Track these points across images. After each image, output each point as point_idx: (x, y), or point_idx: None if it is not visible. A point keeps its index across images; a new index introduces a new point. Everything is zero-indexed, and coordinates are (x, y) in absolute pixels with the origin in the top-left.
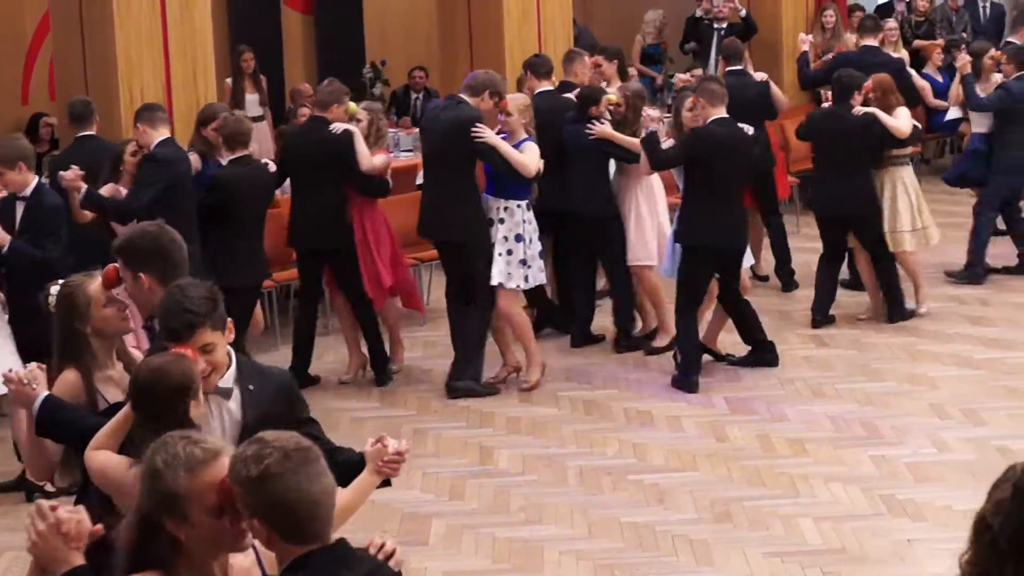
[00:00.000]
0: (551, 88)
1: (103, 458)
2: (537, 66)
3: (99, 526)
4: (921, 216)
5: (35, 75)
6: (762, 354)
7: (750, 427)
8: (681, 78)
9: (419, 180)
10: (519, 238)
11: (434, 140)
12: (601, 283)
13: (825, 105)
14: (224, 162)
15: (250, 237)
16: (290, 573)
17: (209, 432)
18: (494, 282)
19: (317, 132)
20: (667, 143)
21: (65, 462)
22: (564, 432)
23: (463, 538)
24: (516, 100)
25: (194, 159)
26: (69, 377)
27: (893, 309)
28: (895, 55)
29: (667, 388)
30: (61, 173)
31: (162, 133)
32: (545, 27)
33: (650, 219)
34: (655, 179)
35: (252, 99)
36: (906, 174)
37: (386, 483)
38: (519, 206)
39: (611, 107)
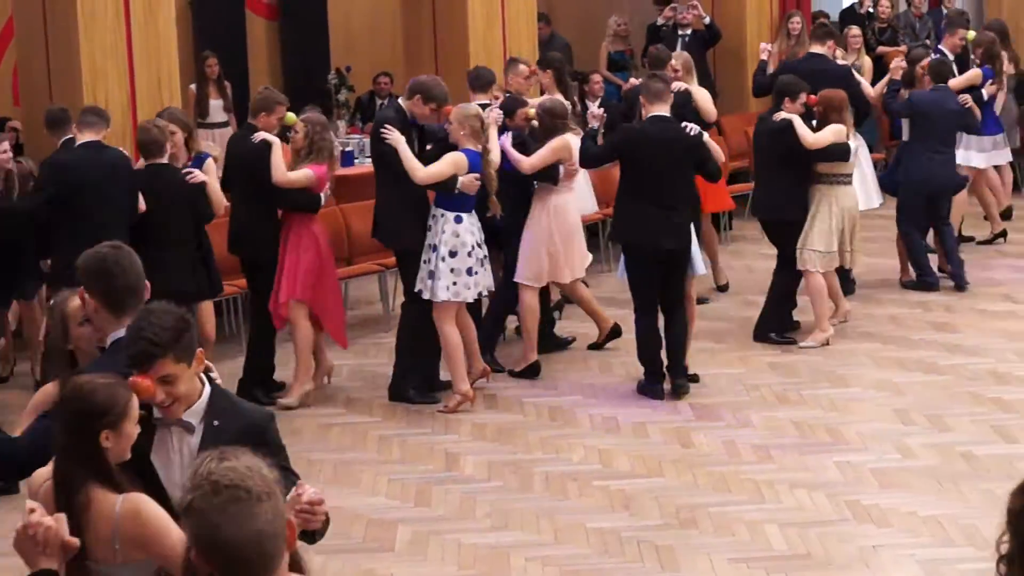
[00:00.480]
0: (487, 101)
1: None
2: (472, 80)
3: (75, 540)
4: (843, 239)
5: None
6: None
7: (715, 433)
8: (633, 82)
9: None
10: (434, 248)
11: (371, 144)
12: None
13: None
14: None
15: (167, 246)
16: None
17: (167, 465)
18: (416, 289)
19: (244, 141)
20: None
21: None
22: (530, 438)
23: (429, 544)
24: (459, 109)
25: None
26: (49, 389)
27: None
28: (841, 62)
29: (633, 394)
30: None
31: (85, 136)
32: (510, 33)
33: (548, 239)
34: (569, 197)
35: (216, 105)
36: (838, 194)
37: (309, 538)
38: (443, 215)
39: (527, 121)
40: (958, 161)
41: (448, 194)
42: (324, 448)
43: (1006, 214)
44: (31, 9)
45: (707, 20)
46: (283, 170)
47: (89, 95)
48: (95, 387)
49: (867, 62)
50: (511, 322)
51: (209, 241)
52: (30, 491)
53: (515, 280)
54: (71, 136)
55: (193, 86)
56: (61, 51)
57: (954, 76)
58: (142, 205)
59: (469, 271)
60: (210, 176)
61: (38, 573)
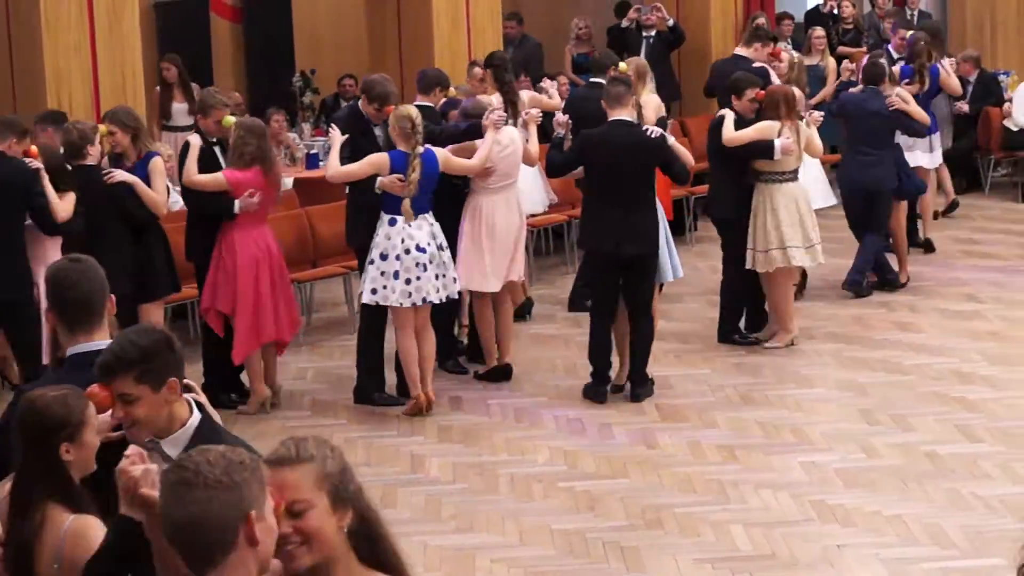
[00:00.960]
0: (428, 104)
1: None
2: (417, 81)
3: (154, 496)
4: (799, 235)
5: None
6: (638, 388)
7: (681, 434)
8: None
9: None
10: (372, 250)
11: None
12: None
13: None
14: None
15: (98, 248)
16: None
17: None
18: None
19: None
20: None
21: None
22: (495, 440)
23: None
24: (395, 111)
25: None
26: None
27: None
28: (759, 64)
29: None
30: None
31: None
32: (475, 34)
33: (471, 245)
34: (496, 200)
35: (180, 108)
36: (776, 192)
37: None
38: (381, 216)
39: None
40: (912, 164)
41: (388, 197)
42: None
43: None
44: None
45: (671, 22)
46: (190, 172)
47: (52, 97)
48: (48, 400)
49: (831, 63)
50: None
51: (160, 241)
52: None
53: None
54: None
55: (158, 88)
56: (24, 53)
57: (886, 76)
58: (62, 212)
59: (396, 275)
60: (154, 176)
61: (118, 518)
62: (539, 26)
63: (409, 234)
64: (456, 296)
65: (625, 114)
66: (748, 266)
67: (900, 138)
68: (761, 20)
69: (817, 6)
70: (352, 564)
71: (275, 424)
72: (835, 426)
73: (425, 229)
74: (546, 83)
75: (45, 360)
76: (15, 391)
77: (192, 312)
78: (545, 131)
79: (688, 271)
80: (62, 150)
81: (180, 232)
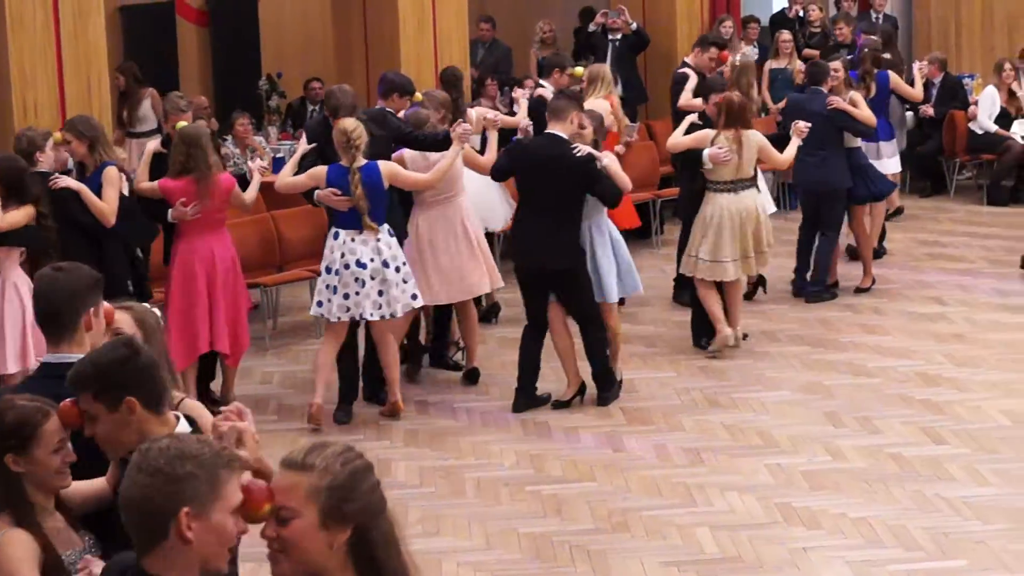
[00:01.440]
0: (390, 109)
1: None
2: (378, 85)
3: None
4: (738, 247)
5: None
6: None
7: (647, 437)
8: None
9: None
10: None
11: None
12: None
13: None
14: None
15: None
16: None
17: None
18: None
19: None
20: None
21: None
22: (462, 444)
23: None
24: (336, 124)
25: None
26: None
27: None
28: (705, 71)
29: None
30: None
31: None
32: (441, 38)
33: (412, 258)
34: (436, 215)
35: (140, 116)
36: (715, 201)
37: None
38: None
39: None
40: (893, 169)
41: (331, 210)
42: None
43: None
44: None
45: (635, 26)
46: (139, 178)
47: (18, 101)
48: (7, 407)
49: (799, 66)
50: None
51: (118, 247)
52: None
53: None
54: None
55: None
56: None
57: (827, 78)
58: (2, 223)
59: (335, 288)
60: (105, 186)
61: None
62: (506, 29)
63: (351, 248)
64: (395, 314)
65: (559, 128)
66: (680, 269)
67: (869, 145)
68: (728, 23)
69: (783, 9)
70: None
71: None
72: (801, 429)
73: (370, 244)
74: (517, 93)
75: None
76: None
77: None
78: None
79: (655, 274)
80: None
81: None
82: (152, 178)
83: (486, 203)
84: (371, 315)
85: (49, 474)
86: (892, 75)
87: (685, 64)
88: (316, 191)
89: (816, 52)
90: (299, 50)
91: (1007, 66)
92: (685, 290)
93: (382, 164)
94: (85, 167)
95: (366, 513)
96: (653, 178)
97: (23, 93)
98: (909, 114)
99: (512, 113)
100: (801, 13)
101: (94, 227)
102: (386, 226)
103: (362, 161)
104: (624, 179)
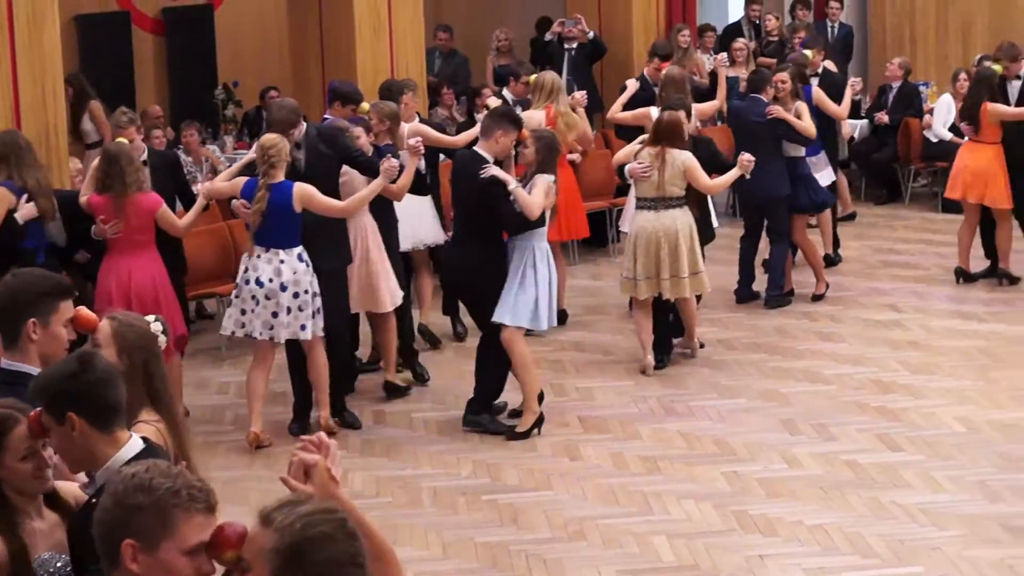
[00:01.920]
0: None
1: None
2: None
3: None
4: (651, 267)
5: None
6: (476, 416)
7: (603, 445)
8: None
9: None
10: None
11: None
12: None
13: None
14: None
15: None
16: None
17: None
18: None
19: None
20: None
21: None
22: (418, 453)
23: None
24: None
25: None
26: None
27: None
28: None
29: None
30: None
31: None
32: (397, 46)
33: (367, 263)
34: (350, 226)
35: (91, 127)
36: (635, 218)
37: None
38: None
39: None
40: (825, 182)
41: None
42: (212, 466)
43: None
44: None
45: (591, 35)
46: (83, 194)
47: None
48: None
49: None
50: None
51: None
52: None
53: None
54: None
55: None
56: None
57: (768, 86)
58: None
59: (229, 302)
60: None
61: None
62: (463, 38)
63: (254, 265)
64: (277, 338)
65: (483, 147)
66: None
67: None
68: (684, 32)
69: (740, 19)
70: None
71: (197, 439)
72: (757, 436)
73: (273, 264)
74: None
75: None
76: None
77: None
78: None
79: (611, 283)
80: None
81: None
82: None
83: (417, 217)
84: (259, 334)
85: (23, 480)
86: (815, 90)
87: (643, 75)
88: (232, 200)
89: (772, 61)
90: (255, 59)
91: (962, 75)
92: None
93: (297, 186)
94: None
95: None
96: (609, 187)
97: None
98: (863, 122)
99: (471, 122)
100: (757, 21)
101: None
102: (298, 250)
103: (278, 179)
104: (530, 206)
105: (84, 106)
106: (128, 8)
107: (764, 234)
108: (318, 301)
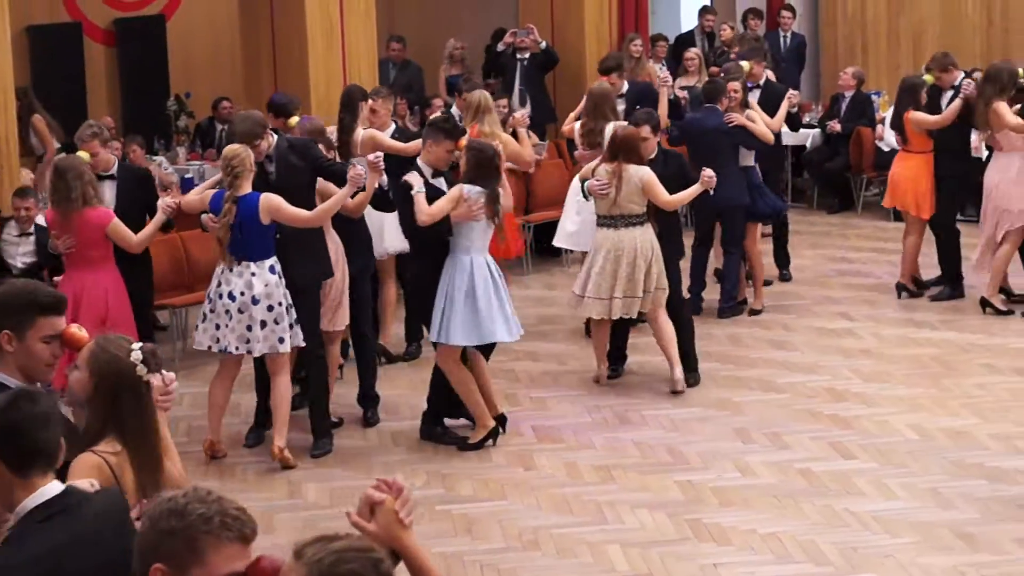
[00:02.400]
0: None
1: None
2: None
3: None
4: (618, 284)
5: None
6: (431, 426)
7: (557, 455)
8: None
9: None
10: None
11: None
12: None
13: None
14: None
15: None
16: None
17: None
18: None
19: None
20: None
21: None
22: (372, 464)
23: None
24: None
25: None
26: None
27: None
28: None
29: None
30: None
31: None
32: (350, 57)
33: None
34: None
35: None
36: (599, 236)
37: None
38: None
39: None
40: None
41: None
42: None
43: None
44: None
45: (543, 45)
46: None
47: None
48: None
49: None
50: None
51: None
52: None
53: None
54: None
55: (36, 116)
56: None
57: (723, 96)
58: None
59: (204, 316)
60: None
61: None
62: (415, 47)
63: (226, 278)
64: (253, 352)
65: (420, 157)
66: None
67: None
68: (637, 42)
69: (693, 28)
70: None
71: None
72: (710, 445)
73: (244, 277)
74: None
75: None
76: None
77: None
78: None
79: (565, 293)
80: None
81: None
82: None
83: (379, 225)
84: (235, 349)
85: None
86: (750, 103)
87: None
88: (201, 214)
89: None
90: (208, 70)
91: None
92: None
93: (264, 197)
94: None
95: None
96: (562, 197)
97: None
98: (816, 131)
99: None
100: (710, 30)
101: None
102: (270, 262)
103: (244, 190)
104: (420, 212)
105: (26, 120)
106: (80, 19)
107: (717, 243)
108: (294, 313)
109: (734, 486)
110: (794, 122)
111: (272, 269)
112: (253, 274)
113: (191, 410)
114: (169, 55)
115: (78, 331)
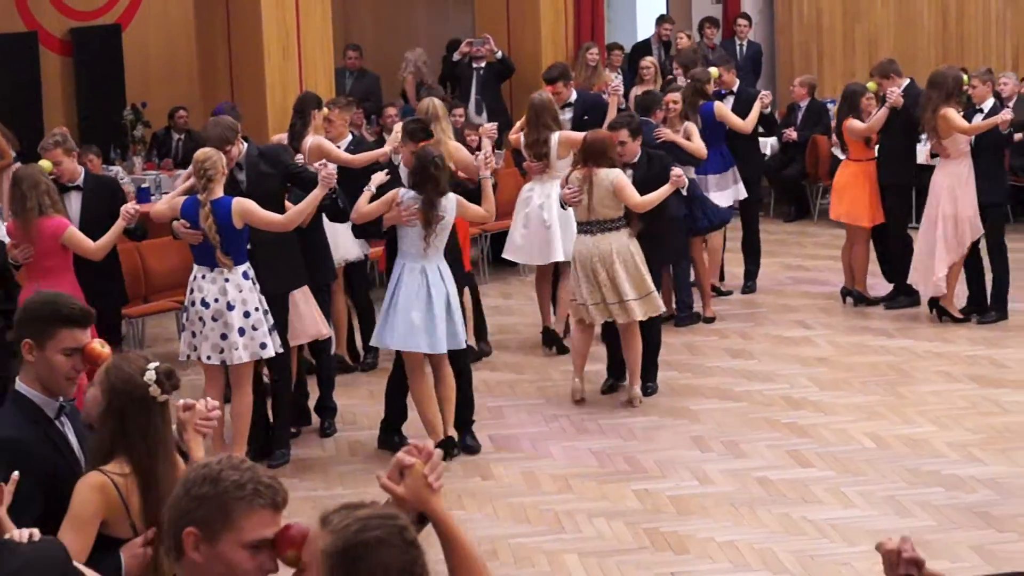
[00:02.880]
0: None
1: None
2: None
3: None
4: (598, 291)
5: None
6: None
7: (515, 464)
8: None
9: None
10: None
11: None
12: None
13: None
14: None
15: None
16: None
17: None
18: None
19: None
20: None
21: None
22: (330, 473)
23: None
24: None
25: None
26: None
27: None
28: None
29: None
30: None
31: None
32: (306, 66)
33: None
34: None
35: None
36: (578, 243)
37: None
38: None
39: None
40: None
41: (191, 245)
42: None
43: None
44: None
45: (499, 54)
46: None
47: None
48: None
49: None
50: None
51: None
52: None
53: None
54: None
55: None
56: None
57: (658, 108)
58: None
59: (184, 326)
60: None
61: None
62: (371, 56)
63: (200, 285)
64: (230, 360)
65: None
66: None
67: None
68: (593, 51)
69: (649, 37)
70: None
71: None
72: (668, 453)
73: (218, 284)
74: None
75: None
76: None
77: None
78: None
79: (524, 302)
80: None
81: None
82: None
83: (331, 236)
84: (207, 358)
85: None
86: (717, 105)
87: None
88: (172, 222)
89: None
90: (164, 79)
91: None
92: None
93: (236, 201)
94: None
95: None
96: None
97: None
98: (772, 139)
99: (381, 141)
100: (667, 39)
101: None
102: (243, 268)
103: (217, 194)
104: (355, 211)
105: None
106: (36, 28)
107: None
108: (271, 317)
109: (692, 495)
110: (769, 124)
111: (245, 275)
112: (227, 280)
113: None
114: (125, 64)
115: (100, 347)
